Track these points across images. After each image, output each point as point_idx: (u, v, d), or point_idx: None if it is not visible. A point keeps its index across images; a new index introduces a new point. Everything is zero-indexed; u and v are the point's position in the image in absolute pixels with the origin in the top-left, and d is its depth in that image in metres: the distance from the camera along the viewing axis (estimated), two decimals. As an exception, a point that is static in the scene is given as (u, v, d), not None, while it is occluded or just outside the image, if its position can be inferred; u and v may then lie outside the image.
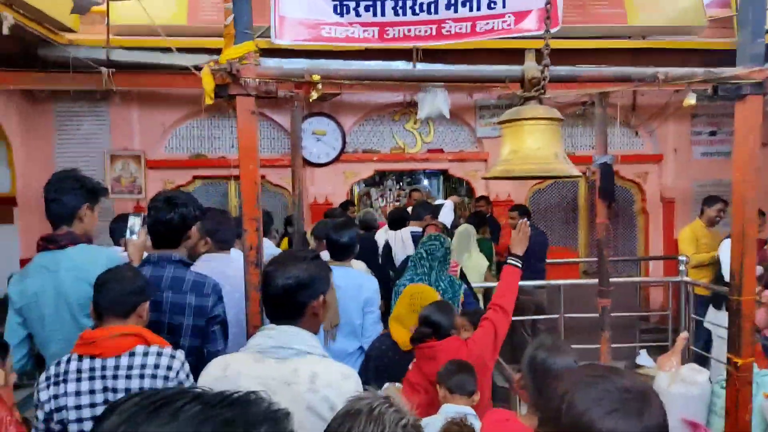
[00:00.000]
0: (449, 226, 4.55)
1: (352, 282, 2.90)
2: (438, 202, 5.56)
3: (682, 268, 4.57)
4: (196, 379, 1.61)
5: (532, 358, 1.84)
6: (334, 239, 2.92)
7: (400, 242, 4.27)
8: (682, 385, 3.78)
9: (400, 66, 3.30)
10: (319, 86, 2.22)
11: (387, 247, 4.36)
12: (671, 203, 6.69)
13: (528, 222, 2.43)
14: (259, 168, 2.28)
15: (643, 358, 4.43)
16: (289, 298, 1.53)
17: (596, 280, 4.08)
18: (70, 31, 4.88)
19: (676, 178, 6.62)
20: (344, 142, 6.18)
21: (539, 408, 1.84)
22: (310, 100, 2.17)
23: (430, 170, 7.07)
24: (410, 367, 2.52)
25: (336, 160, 6.20)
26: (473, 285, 4.36)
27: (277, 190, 6.28)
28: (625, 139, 6.68)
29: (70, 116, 5.90)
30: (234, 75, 2.15)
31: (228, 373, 1.48)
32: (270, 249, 3.69)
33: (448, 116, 3.66)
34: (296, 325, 1.54)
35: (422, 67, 2.94)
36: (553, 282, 4.90)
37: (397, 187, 8.32)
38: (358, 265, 3.16)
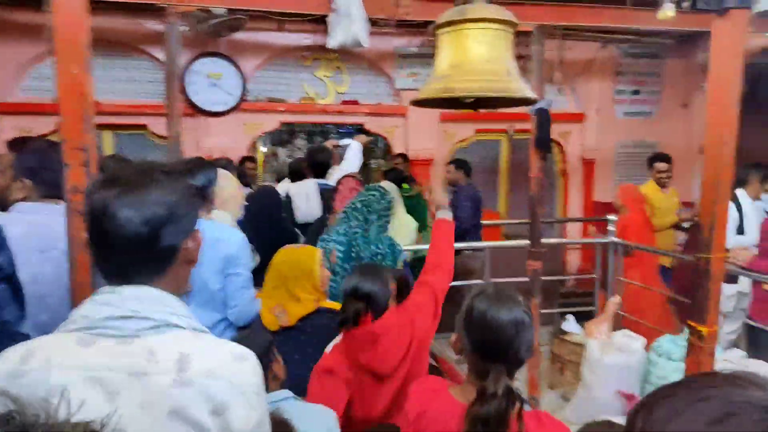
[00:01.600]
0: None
1: (208, 236, 2.28)
2: (343, 141, 4.97)
3: (611, 228, 4.29)
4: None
5: (470, 310, 1.38)
6: None
7: (303, 196, 3.64)
8: (618, 355, 3.49)
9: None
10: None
11: (287, 199, 3.71)
12: (591, 164, 6.50)
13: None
14: (85, 101, 1.57)
15: (571, 324, 4.12)
16: (147, 243, 0.96)
17: (525, 242, 3.67)
18: None
19: (598, 138, 6.41)
20: (244, 89, 5.36)
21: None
22: None
23: (345, 126, 6.42)
24: (327, 350, 1.95)
25: (235, 109, 5.37)
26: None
27: (164, 143, 5.37)
28: (549, 97, 6.35)
29: None
30: None
31: (31, 365, 0.90)
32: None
33: (366, 44, 3.02)
34: (154, 285, 0.98)
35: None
36: (477, 244, 4.48)
37: (309, 145, 7.57)
38: (222, 217, 2.51)
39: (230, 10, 4.59)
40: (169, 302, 0.98)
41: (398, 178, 4.64)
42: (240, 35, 5.17)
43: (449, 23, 1.73)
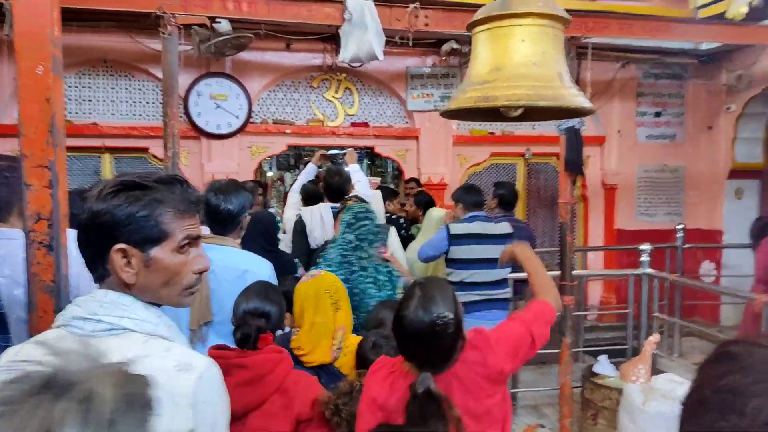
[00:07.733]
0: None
1: (232, 265, 2.09)
2: (331, 152, 4.61)
3: (644, 258, 3.97)
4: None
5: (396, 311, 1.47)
6: (214, 205, 2.10)
7: (318, 220, 3.34)
8: (662, 402, 3.12)
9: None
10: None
11: (300, 224, 3.40)
12: (613, 190, 6.20)
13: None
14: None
15: (604, 366, 3.76)
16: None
17: (555, 274, 3.34)
18: None
19: (620, 162, 6.12)
20: (250, 111, 5.12)
21: None
22: None
23: (357, 149, 6.16)
24: None
25: (240, 131, 5.13)
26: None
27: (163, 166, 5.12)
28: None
29: None
30: None
31: (18, 357, 1.00)
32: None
33: (381, 57, 2.78)
34: (114, 288, 1.04)
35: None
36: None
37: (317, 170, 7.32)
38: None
39: (235, 29, 4.38)
40: (127, 305, 1.02)
41: (431, 203, 4.43)
42: (246, 55, 4.95)
43: (488, 19, 1.44)
